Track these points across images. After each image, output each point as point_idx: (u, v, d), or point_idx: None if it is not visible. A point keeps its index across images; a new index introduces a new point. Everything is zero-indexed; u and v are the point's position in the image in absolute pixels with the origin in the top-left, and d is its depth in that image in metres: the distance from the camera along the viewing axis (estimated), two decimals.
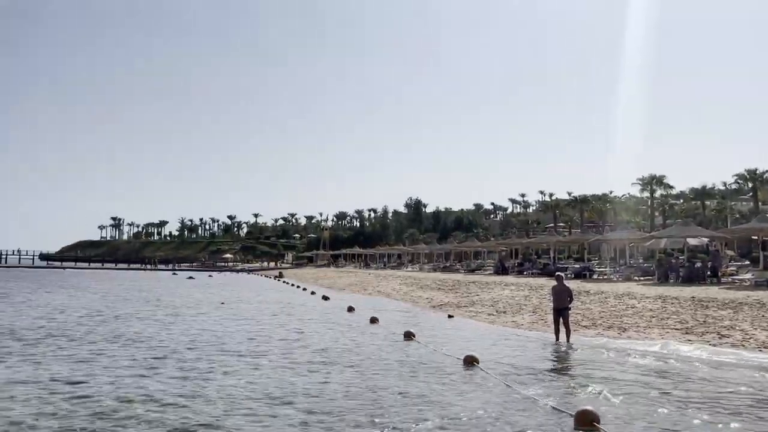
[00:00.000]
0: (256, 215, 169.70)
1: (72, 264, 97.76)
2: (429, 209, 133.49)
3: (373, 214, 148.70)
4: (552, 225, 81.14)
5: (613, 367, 11.16)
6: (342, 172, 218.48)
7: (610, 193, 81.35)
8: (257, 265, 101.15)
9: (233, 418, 7.61)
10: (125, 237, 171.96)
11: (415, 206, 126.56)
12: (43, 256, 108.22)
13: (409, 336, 14.93)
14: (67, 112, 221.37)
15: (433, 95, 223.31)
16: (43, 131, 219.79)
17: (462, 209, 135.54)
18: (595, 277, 31.98)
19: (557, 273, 16.25)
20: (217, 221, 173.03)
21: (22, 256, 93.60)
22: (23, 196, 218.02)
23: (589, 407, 7.40)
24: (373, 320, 18.97)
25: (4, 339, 14.35)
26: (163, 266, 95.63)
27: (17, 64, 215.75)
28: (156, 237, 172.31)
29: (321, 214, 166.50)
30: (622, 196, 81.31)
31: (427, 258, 64.85)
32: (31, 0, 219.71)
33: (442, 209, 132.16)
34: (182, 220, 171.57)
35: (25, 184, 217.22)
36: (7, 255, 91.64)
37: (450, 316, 21.01)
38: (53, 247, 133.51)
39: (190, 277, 59.76)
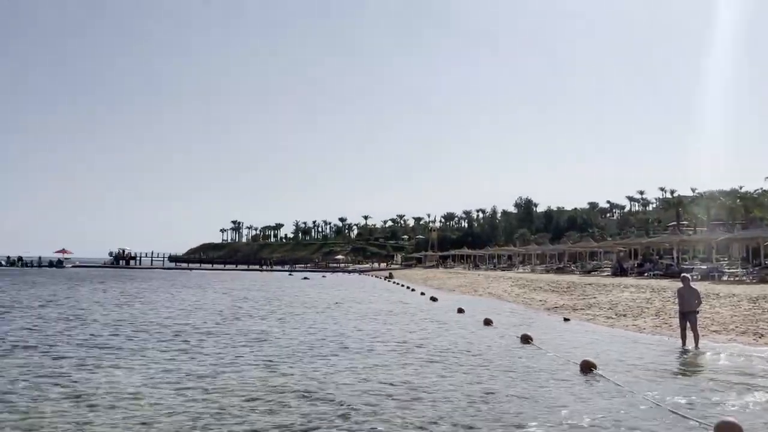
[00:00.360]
0: (365, 217, 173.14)
1: (197, 265, 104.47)
2: (540, 209, 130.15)
3: (481, 215, 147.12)
4: (674, 223, 76.38)
5: (749, 375, 10.40)
6: (449, 173, 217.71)
7: (740, 188, 75.44)
8: (367, 265, 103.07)
9: (355, 417, 7.86)
10: (244, 239, 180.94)
11: (526, 206, 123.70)
12: (172, 258, 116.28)
13: (526, 339, 14.67)
14: (188, 123, 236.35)
15: (541, 90, 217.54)
16: (172, 144, 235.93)
17: (575, 208, 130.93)
18: (725, 278, 29.80)
19: (683, 274, 15.38)
20: (329, 223, 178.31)
21: (153, 258, 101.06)
22: (155, 200, 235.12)
23: (731, 418, 6.90)
24: (487, 322, 18.81)
25: (143, 335, 15.63)
26: (279, 267, 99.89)
27: (142, 70, 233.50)
28: (272, 239, 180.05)
29: (429, 215, 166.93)
30: (755, 191, 75.08)
31: (539, 259, 63.25)
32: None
33: (554, 208, 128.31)
34: (296, 223, 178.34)
35: (156, 191, 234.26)
36: (141, 257, 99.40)
37: (566, 319, 20.41)
38: (180, 250, 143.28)
39: (305, 278, 61.92)
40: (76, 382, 9.66)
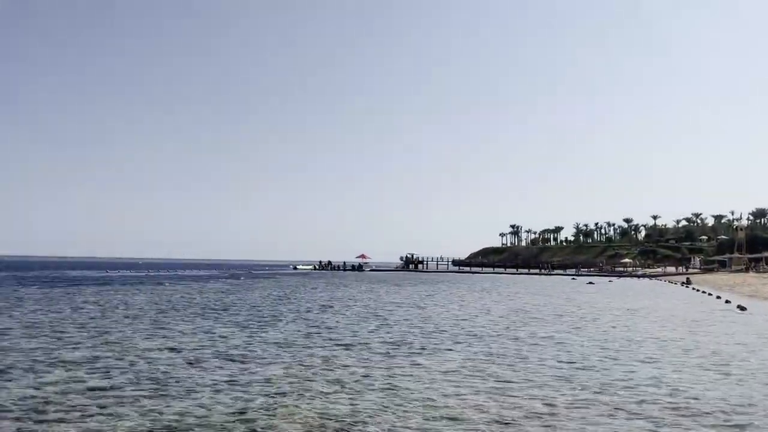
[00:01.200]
0: (654, 217, 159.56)
1: (479, 269, 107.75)
2: None
3: None
4: None
5: None
6: (758, 163, 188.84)
7: None
8: (659, 270, 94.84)
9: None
10: (523, 243, 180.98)
11: None
12: (455, 262, 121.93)
13: None
14: (469, 130, 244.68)
15: None
16: (454, 151, 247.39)
17: None
18: None
19: None
20: (613, 225, 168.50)
21: (439, 262, 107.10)
22: (438, 206, 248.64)
23: None
24: None
25: (440, 335, 16.65)
26: (560, 271, 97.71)
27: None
28: (552, 242, 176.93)
29: (732, 213, 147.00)
30: None
31: None
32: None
33: None
34: (577, 225, 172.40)
35: (437, 195, 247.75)
36: (427, 261, 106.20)
37: None
38: (462, 254, 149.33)
39: (590, 282, 59.53)
40: (389, 376, 10.72)
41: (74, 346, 13.61)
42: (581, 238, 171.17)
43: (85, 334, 15.73)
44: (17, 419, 7.61)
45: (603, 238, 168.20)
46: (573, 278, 73.99)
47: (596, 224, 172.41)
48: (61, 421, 7.57)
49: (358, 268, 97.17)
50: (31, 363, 11.36)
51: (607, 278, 73.83)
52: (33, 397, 8.73)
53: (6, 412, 7.94)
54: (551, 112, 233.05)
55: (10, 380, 9.83)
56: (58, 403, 8.37)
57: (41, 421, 7.53)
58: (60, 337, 14.94)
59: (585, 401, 8.85)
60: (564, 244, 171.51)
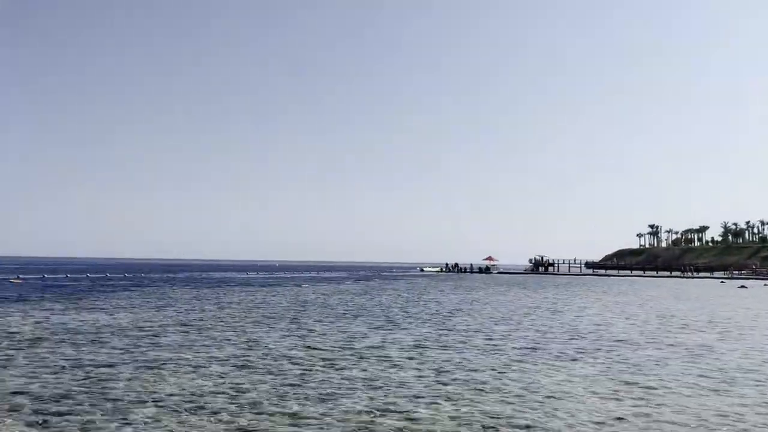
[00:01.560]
0: None
1: (614, 272, 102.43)
2: None
3: None
4: None
5: None
6: None
7: None
8: None
9: None
10: (663, 244, 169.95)
11: None
12: (588, 265, 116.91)
13: None
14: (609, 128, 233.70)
15: None
16: (587, 153, 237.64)
17: None
18: None
19: None
20: (767, 224, 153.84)
21: (571, 265, 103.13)
22: (571, 210, 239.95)
23: None
24: None
25: (577, 342, 15.96)
26: (706, 273, 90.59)
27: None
28: (696, 243, 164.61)
29: None
30: None
31: None
32: None
33: None
34: (725, 225, 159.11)
35: (572, 198, 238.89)
36: (558, 264, 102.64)
37: None
38: (596, 256, 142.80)
39: (742, 286, 54.73)
40: (528, 381, 10.43)
41: (222, 343, 14.54)
42: (730, 238, 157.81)
43: (231, 332, 16.76)
44: (175, 411, 8.21)
45: (756, 238, 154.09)
46: (722, 281, 68.30)
47: (747, 223, 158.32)
48: (213, 414, 8.06)
49: (485, 270, 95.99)
50: (185, 359, 12.27)
51: (763, 282, 67.36)
52: (186, 392, 9.37)
53: (164, 405, 8.59)
54: (695, 111, 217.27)
55: (166, 376, 10.66)
56: (210, 399, 8.93)
57: (194, 416, 8.05)
58: (209, 335, 16.04)
59: (741, 416, 8.07)
60: (710, 244, 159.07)
